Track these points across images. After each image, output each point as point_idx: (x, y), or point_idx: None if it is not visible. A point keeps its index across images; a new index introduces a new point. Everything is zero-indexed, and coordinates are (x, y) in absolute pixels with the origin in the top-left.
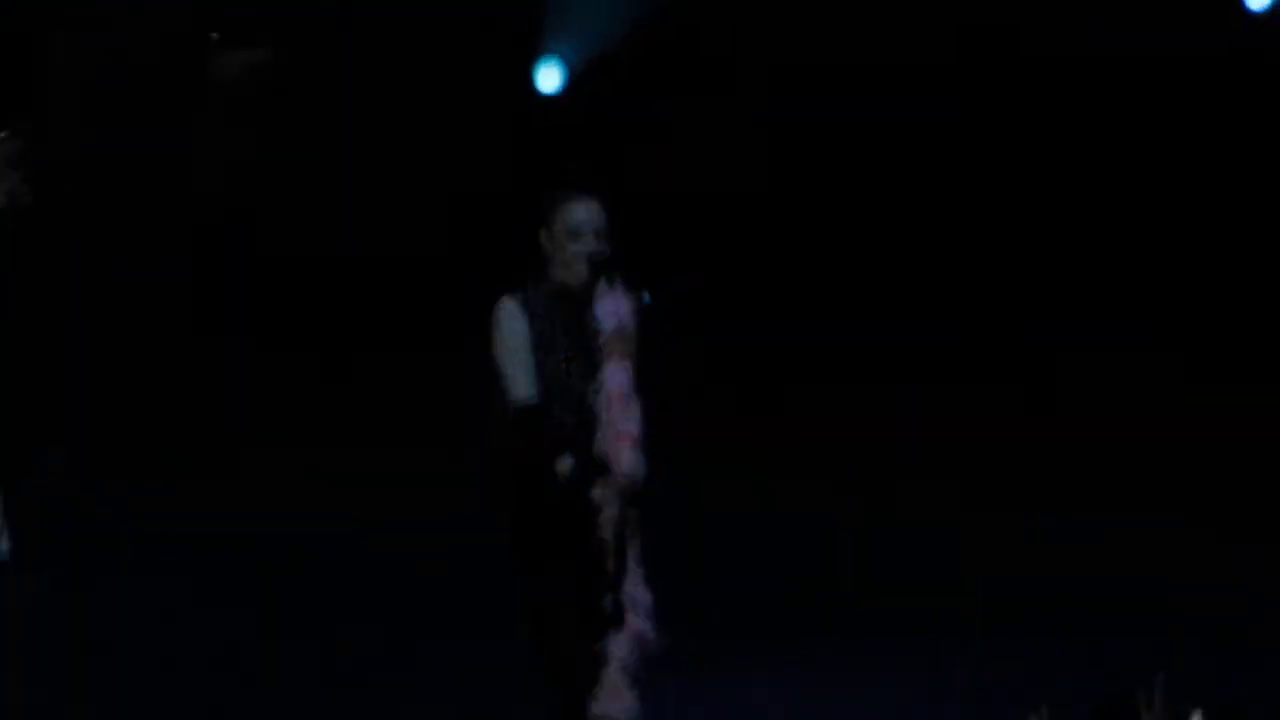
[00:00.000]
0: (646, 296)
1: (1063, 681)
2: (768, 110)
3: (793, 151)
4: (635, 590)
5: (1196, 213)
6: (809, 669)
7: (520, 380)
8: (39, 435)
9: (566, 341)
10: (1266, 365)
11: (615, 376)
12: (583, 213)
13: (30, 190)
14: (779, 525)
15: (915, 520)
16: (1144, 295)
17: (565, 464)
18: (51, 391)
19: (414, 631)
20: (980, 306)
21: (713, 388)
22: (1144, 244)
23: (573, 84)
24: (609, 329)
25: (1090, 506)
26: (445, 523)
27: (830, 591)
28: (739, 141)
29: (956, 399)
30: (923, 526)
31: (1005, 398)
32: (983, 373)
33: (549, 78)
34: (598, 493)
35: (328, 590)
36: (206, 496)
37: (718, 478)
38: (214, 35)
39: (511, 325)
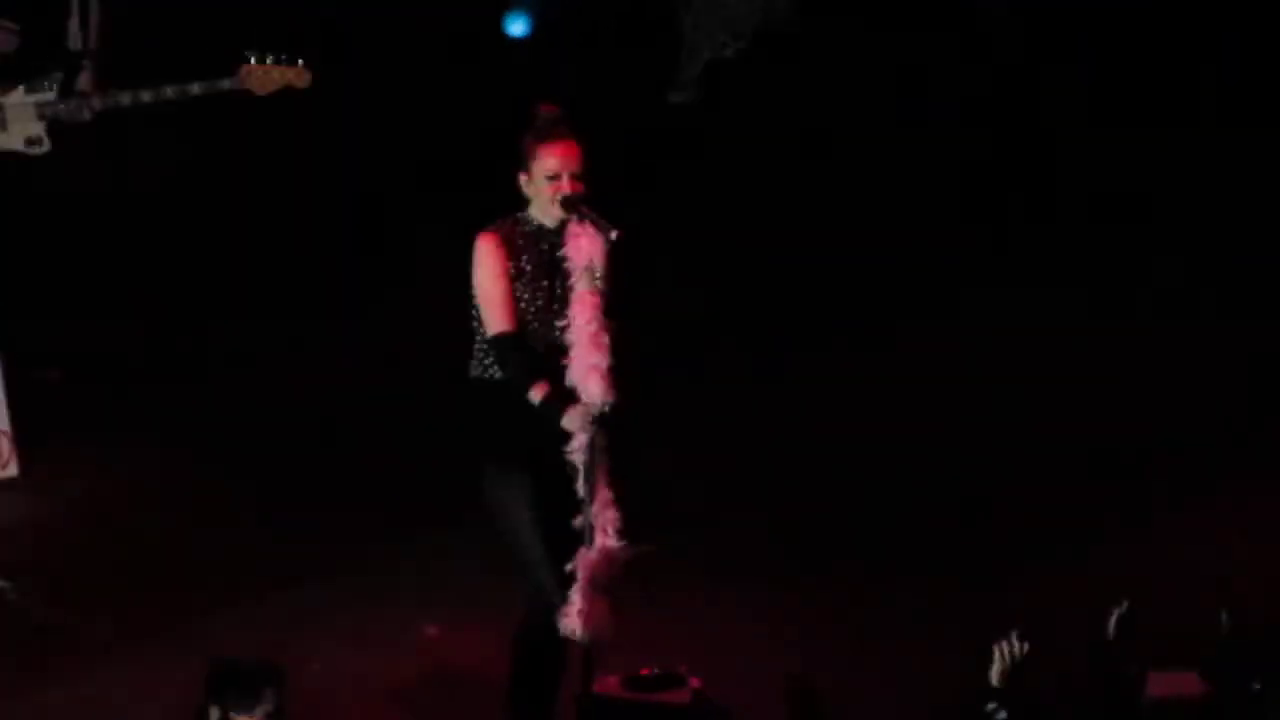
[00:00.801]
0: (614, 234)
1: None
2: None
3: None
4: (604, 510)
5: None
6: (776, 589)
7: (499, 313)
8: None
9: (542, 277)
10: None
11: (585, 311)
12: (559, 156)
13: None
14: (750, 448)
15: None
16: None
17: (537, 393)
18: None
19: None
20: None
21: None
22: None
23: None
24: (580, 265)
25: None
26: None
27: (798, 510)
28: None
29: None
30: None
31: None
32: None
33: (517, 25)
34: (568, 420)
35: (322, 474)
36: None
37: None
38: None
39: (491, 261)
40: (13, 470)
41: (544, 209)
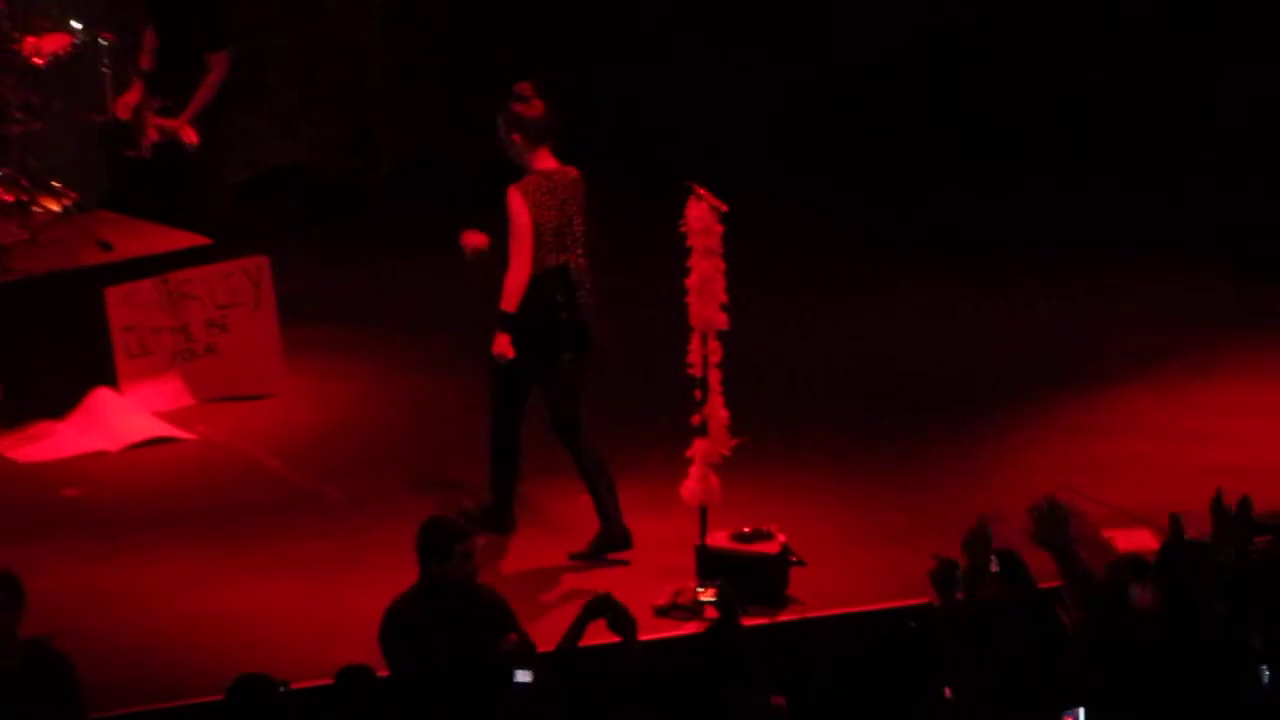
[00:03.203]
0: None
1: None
2: None
3: None
4: (716, 410)
5: None
6: (840, 471)
7: (526, 254)
8: None
9: (554, 220)
10: None
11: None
12: (549, 116)
13: None
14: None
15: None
16: None
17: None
18: None
19: None
20: None
21: None
22: None
23: None
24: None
25: None
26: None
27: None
28: None
29: None
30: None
31: None
32: None
33: None
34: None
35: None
36: None
37: None
38: None
39: (520, 210)
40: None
41: (542, 160)
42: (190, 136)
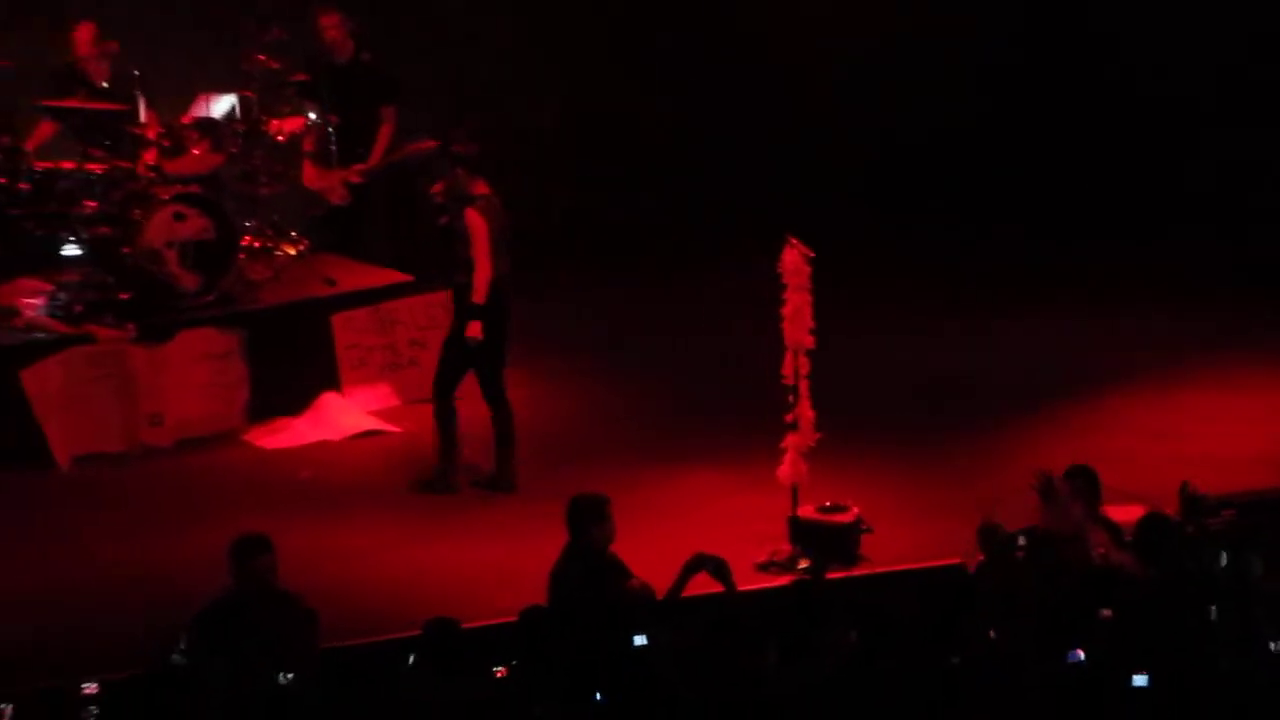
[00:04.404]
0: None
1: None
2: None
3: None
4: (804, 410)
5: None
6: (905, 456)
7: (488, 258)
8: None
9: (497, 230)
10: None
11: None
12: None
13: None
14: None
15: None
16: None
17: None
18: None
19: None
20: None
21: None
22: None
23: None
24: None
25: None
26: None
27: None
28: None
29: None
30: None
31: None
32: None
33: None
34: None
35: None
36: None
37: None
38: None
39: (479, 224)
40: None
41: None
42: (353, 178)
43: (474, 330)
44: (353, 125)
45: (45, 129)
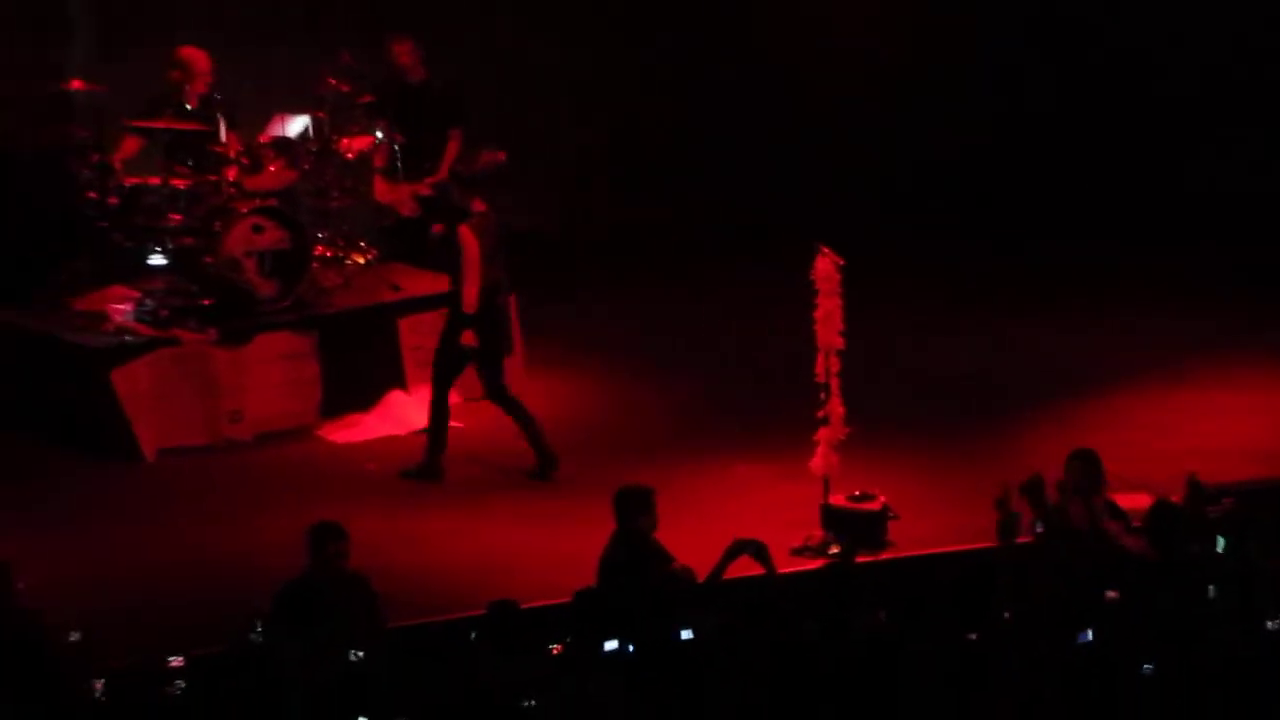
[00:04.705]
0: None
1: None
2: None
3: None
4: (835, 408)
5: None
6: (922, 449)
7: (476, 271)
8: None
9: (490, 246)
10: None
11: None
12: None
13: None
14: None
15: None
16: None
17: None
18: None
19: None
20: None
21: None
22: None
23: None
24: None
25: None
26: None
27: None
28: None
29: None
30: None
31: None
32: None
33: None
34: None
35: None
36: None
37: None
38: None
39: (470, 241)
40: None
41: (490, 203)
42: (422, 191)
43: (468, 339)
44: (423, 144)
45: (131, 145)
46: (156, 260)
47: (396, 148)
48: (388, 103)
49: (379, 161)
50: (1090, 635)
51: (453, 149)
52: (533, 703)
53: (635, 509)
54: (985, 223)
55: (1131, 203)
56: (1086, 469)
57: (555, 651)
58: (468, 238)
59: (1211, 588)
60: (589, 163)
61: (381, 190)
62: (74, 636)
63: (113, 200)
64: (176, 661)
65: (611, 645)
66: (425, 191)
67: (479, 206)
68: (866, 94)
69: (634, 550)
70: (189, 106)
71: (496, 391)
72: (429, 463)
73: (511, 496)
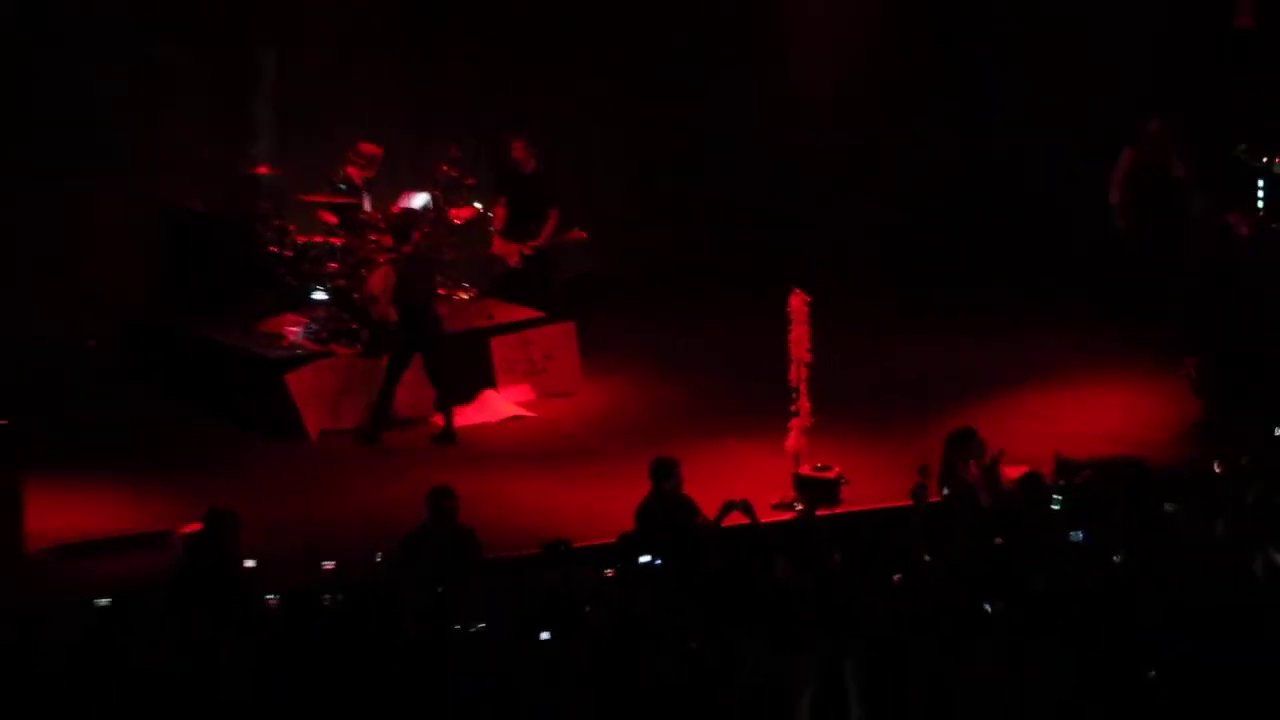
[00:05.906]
0: None
1: None
2: None
3: None
4: (802, 396)
5: None
6: (877, 433)
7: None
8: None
9: (421, 279)
10: None
11: None
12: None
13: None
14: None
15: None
16: None
17: None
18: None
19: None
20: None
21: None
22: None
23: None
24: None
25: None
26: None
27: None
28: None
29: None
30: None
31: None
32: None
33: None
34: None
35: None
36: None
37: None
38: None
39: (388, 276)
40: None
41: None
42: (527, 249)
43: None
44: (528, 217)
45: (330, 218)
46: (318, 295)
47: (490, 215)
48: (504, 186)
49: (498, 224)
50: (1082, 535)
51: (552, 223)
52: (588, 609)
53: (664, 474)
54: (931, 260)
55: (1045, 244)
56: (955, 441)
57: (609, 574)
58: (386, 273)
59: (1079, 533)
60: (629, 217)
61: (497, 245)
62: (249, 564)
63: (288, 253)
64: (329, 565)
65: (645, 559)
66: (528, 251)
67: (407, 248)
68: (832, 154)
69: (662, 504)
70: (341, 186)
71: (440, 371)
72: (373, 428)
73: (572, 463)
